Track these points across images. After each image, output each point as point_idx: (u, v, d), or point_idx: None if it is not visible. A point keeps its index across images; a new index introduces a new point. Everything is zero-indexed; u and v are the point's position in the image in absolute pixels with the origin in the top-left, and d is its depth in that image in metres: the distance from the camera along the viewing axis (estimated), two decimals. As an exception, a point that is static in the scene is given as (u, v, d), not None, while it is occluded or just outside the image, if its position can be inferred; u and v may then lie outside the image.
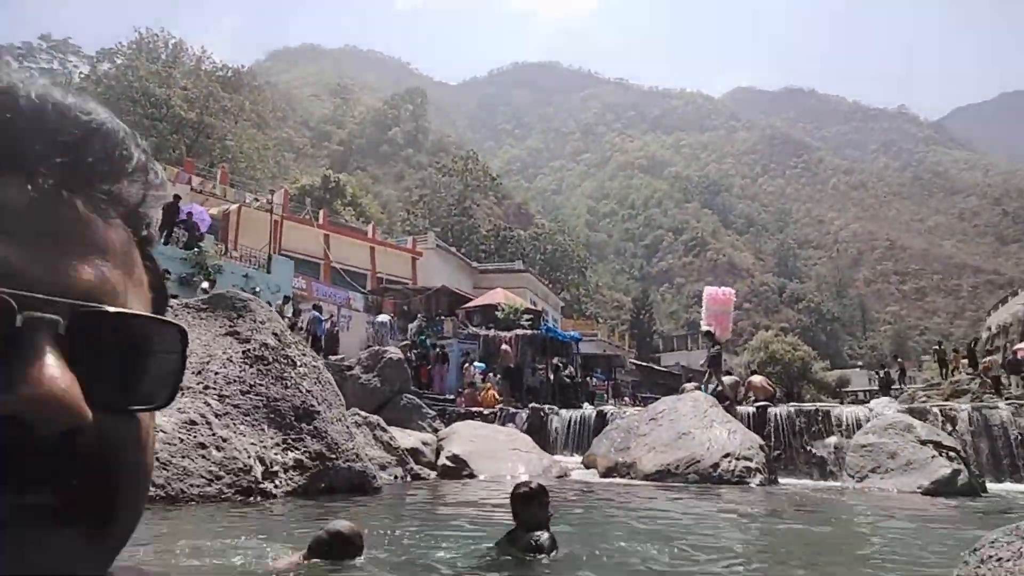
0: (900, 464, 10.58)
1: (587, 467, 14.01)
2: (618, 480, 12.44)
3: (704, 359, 17.79)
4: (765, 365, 46.20)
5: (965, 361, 23.24)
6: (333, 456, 7.28)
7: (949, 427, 12.06)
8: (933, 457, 10.16)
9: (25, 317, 0.34)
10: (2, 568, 0.33)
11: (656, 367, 57.21)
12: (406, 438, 12.68)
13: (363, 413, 11.33)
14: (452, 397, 19.03)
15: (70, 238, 0.38)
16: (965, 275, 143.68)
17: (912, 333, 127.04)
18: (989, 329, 34.21)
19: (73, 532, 0.35)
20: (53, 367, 0.34)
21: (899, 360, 32.41)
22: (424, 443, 13.13)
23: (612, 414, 16.37)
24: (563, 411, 17.73)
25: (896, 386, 25.19)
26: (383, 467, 10.21)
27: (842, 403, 20.77)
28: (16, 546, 0.33)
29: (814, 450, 13.21)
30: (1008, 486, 10.82)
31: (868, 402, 19.96)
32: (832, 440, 13.02)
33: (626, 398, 29.02)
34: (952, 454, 10.25)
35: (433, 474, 11.95)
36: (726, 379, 15.93)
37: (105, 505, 0.37)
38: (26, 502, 0.33)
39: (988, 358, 23.70)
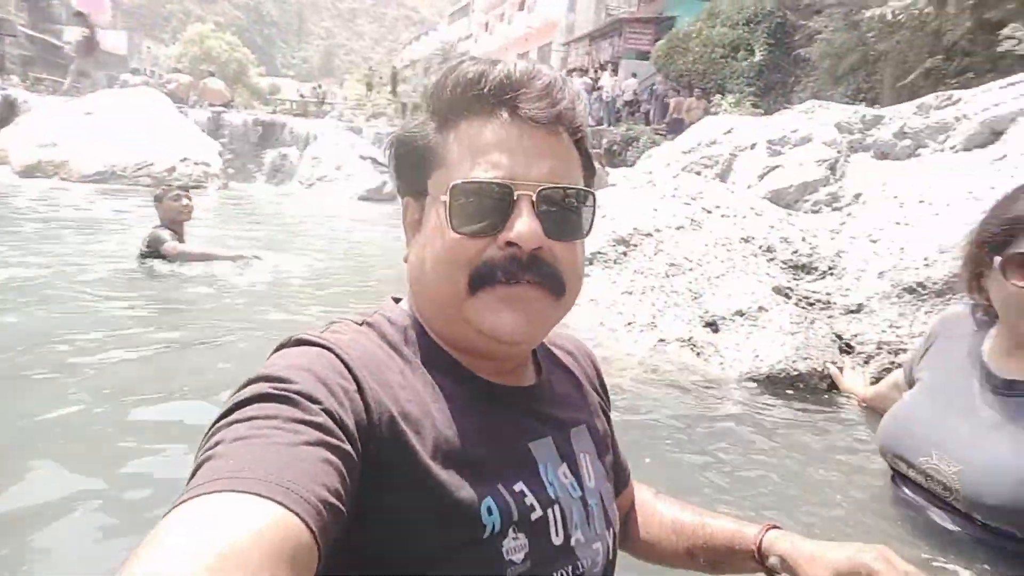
0: (343, 175, 12.52)
1: (-6, 162, 11.45)
2: (45, 181, 10.72)
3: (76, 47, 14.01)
4: (199, 62, 43.08)
5: (388, 87, 27.15)
6: None
7: (381, 146, 14.56)
8: (370, 171, 12.35)
9: (517, 193, 0.66)
10: (518, 309, 0.68)
11: (56, 42, 46.05)
12: None
13: None
14: None
15: (537, 148, 0.67)
16: (391, 5, 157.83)
17: (340, 51, 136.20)
18: (404, 61, 40.04)
19: (549, 298, 0.69)
20: (528, 217, 0.65)
21: (321, 87, 34.00)
22: None
23: (27, 101, 13.25)
24: (-57, 89, 13.34)
25: (327, 103, 27.60)
26: None
27: (293, 115, 21.77)
28: (527, 301, 0.67)
29: (267, 158, 14.02)
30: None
31: (302, 113, 21.62)
32: (285, 150, 14.01)
33: (14, 77, 22.91)
34: (383, 168, 12.64)
35: None
36: (180, 77, 14.61)
37: (559, 287, 0.69)
38: (521, 280, 0.67)
39: (402, 87, 28.23)
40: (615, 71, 16.94)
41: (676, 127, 11.85)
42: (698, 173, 4.05)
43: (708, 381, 2.45)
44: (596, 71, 17.86)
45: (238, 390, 0.58)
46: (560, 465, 0.72)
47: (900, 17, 8.50)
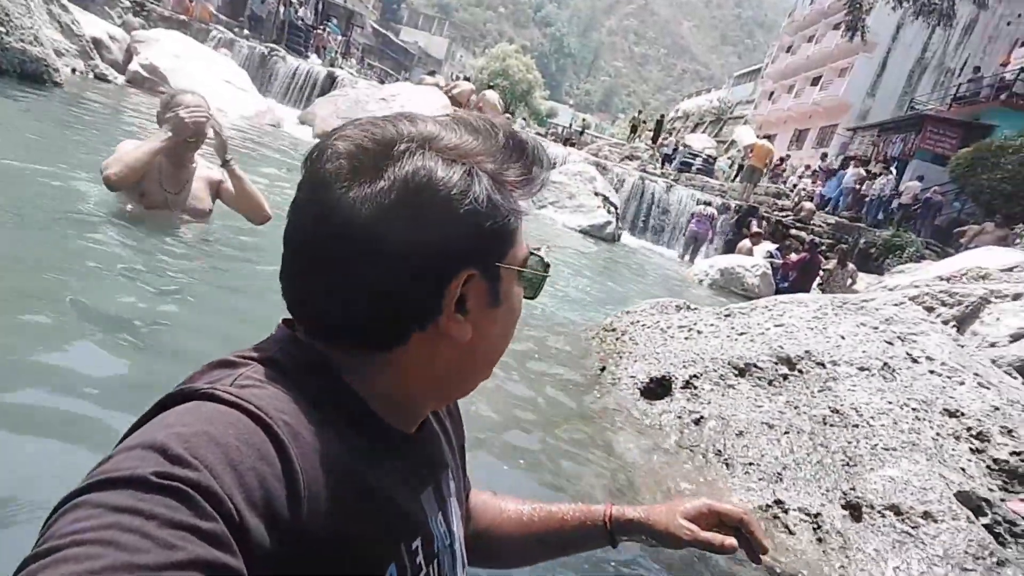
0: (574, 204, 12.73)
1: (303, 123, 13.63)
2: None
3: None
4: (496, 76, 47.45)
5: (651, 133, 27.21)
6: (2, 31, 5.77)
7: (619, 185, 14.57)
8: (598, 207, 12.38)
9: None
10: None
11: (394, 39, 54.44)
12: (90, 25, 10.49)
13: (36, -21, 8.84)
14: (156, -8, 15.82)
15: None
16: (684, 58, 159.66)
17: (622, 91, 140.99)
18: (677, 112, 39.88)
19: None
20: None
21: (584, 120, 35.77)
22: (112, 37, 11.07)
23: (343, 79, 15.70)
24: (291, 58, 16.33)
25: (591, 134, 28.47)
26: (59, 54, 8.45)
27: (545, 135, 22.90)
28: None
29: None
30: (634, 240, 13.96)
31: (562, 139, 22.62)
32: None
33: (354, 60, 27.61)
34: (612, 209, 12.60)
35: (120, 78, 10.36)
36: (462, 84, 16.12)
37: None
38: None
39: (665, 138, 28.09)
40: (889, 168, 14.98)
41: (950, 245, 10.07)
42: (930, 309, 3.27)
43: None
44: (881, 165, 15.98)
45: (121, 448, 0.45)
46: (437, 514, 0.69)
47: None
